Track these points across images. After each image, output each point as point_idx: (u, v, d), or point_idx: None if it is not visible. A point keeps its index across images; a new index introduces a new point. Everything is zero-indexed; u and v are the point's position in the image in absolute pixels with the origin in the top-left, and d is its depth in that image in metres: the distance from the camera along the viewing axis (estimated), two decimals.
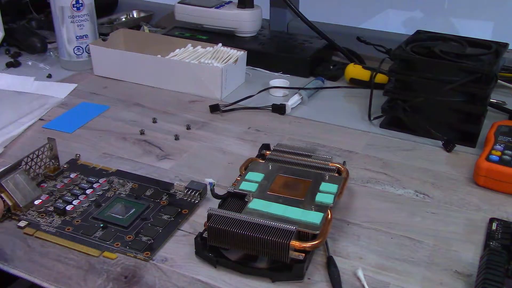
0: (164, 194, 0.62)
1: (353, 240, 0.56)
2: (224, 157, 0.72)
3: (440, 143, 0.74)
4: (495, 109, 0.84)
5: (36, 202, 0.59)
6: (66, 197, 0.61)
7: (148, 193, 0.62)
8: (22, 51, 1.08)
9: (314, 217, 0.53)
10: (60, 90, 0.91)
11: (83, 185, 0.63)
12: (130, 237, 0.55)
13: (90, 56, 0.98)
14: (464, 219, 0.59)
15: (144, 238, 0.55)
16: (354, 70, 0.94)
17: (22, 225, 0.57)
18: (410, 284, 0.50)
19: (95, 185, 0.63)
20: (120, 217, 0.58)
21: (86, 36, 0.98)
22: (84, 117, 0.82)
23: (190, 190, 0.62)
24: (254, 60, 0.98)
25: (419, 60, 0.76)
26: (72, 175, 0.64)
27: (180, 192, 0.63)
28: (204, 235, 0.53)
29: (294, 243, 0.49)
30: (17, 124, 0.79)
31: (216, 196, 0.58)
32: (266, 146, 0.67)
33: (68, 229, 0.56)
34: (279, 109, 0.84)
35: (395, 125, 0.79)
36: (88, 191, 0.62)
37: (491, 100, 0.81)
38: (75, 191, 0.62)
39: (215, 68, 0.87)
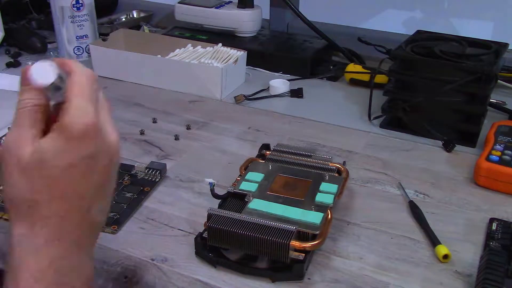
0: (125, 175, 0.65)
1: (353, 240, 0.56)
2: (224, 157, 0.72)
3: (440, 143, 0.74)
4: (495, 109, 0.84)
5: None
6: None
7: None
8: (22, 51, 1.08)
9: (314, 217, 0.53)
10: None
11: None
12: None
13: (90, 56, 0.98)
14: (464, 219, 0.59)
15: (110, 214, 0.58)
16: (354, 70, 0.94)
17: None
18: (410, 284, 0.50)
19: None
20: None
21: (86, 36, 0.98)
22: None
23: (151, 170, 0.65)
24: (254, 60, 0.98)
25: (419, 60, 0.76)
26: None
27: (141, 172, 0.66)
28: (204, 235, 0.53)
29: (294, 243, 0.49)
30: None
31: (216, 196, 0.58)
32: (266, 146, 0.67)
33: None
34: (296, 93, 0.89)
35: (395, 125, 0.79)
36: None
37: (491, 100, 0.80)
38: None
39: (215, 68, 0.87)
